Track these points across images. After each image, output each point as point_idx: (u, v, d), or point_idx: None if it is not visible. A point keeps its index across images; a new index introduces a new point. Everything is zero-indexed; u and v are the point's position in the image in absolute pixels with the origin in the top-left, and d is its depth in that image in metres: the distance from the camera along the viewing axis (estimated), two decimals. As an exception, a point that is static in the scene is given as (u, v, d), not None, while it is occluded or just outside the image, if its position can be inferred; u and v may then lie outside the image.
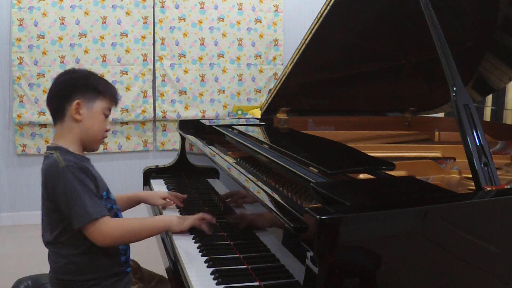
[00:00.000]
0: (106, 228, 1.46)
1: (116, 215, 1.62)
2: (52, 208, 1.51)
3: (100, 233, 1.45)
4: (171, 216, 1.67)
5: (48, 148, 1.58)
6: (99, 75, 1.66)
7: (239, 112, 4.13)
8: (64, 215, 1.48)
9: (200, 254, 1.50)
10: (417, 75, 2.44)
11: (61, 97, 1.57)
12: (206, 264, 1.44)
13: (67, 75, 1.61)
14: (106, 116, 1.62)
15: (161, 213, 1.93)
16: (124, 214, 1.76)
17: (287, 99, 2.41)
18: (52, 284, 1.57)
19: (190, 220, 1.63)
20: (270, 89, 2.65)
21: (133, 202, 1.93)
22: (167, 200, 1.96)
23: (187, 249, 1.54)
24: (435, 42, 1.47)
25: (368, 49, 2.32)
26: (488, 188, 1.23)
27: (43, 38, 3.79)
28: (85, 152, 1.63)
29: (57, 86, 1.59)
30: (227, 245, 1.58)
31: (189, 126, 2.47)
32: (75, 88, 1.56)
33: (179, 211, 1.93)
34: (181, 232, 1.64)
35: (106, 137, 1.65)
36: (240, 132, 2.09)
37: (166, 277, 1.72)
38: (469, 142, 1.30)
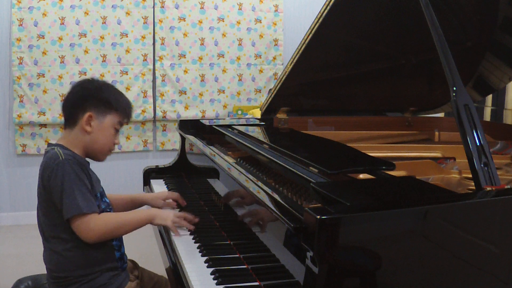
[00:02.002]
0: (92, 224, 1.49)
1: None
2: (46, 199, 1.53)
3: (86, 228, 1.49)
4: (153, 211, 1.72)
5: (49, 145, 1.62)
6: (116, 88, 1.70)
7: (239, 112, 4.13)
8: (56, 207, 1.51)
9: (200, 254, 1.50)
10: (417, 75, 2.44)
11: (75, 106, 1.61)
12: (206, 264, 1.44)
13: (83, 84, 1.65)
14: (117, 130, 1.65)
15: None
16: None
17: (287, 99, 2.41)
18: (49, 285, 1.58)
19: (168, 222, 1.65)
20: (270, 89, 2.65)
21: (137, 204, 1.95)
22: (168, 201, 1.96)
23: (187, 249, 1.54)
24: (435, 42, 1.47)
25: (368, 49, 2.32)
26: (488, 188, 1.23)
27: (43, 38, 3.79)
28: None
29: (73, 95, 1.63)
30: (227, 245, 1.58)
31: (189, 126, 2.47)
32: (88, 100, 1.60)
33: (179, 211, 1.93)
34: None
35: (113, 150, 1.68)
36: (240, 132, 2.09)
37: (165, 277, 1.72)
38: (469, 142, 1.30)
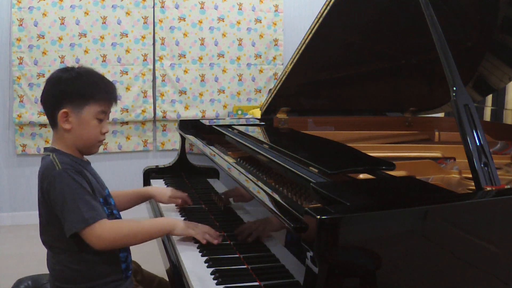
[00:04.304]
0: (103, 231, 1.40)
1: (114, 216, 1.58)
2: (48, 212, 1.47)
3: (96, 237, 1.40)
4: (175, 220, 1.59)
5: (45, 149, 1.55)
6: (94, 74, 1.56)
7: (239, 112, 4.13)
8: (59, 219, 1.43)
9: (200, 254, 1.50)
10: (417, 75, 2.44)
11: (49, 105, 1.51)
12: (206, 264, 1.44)
13: (52, 79, 1.52)
14: (101, 120, 1.53)
15: (161, 214, 1.92)
16: (126, 212, 1.76)
17: (287, 99, 2.41)
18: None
19: (197, 230, 1.55)
20: (270, 89, 2.65)
21: (143, 198, 1.91)
22: (173, 200, 1.93)
23: (187, 249, 1.54)
24: (435, 42, 1.47)
25: (368, 49, 2.32)
26: (488, 188, 1.23)
27: (43, 38, 3.79)
28: (84, 157, 1.59)
29: (46, 93, 1.52)
30: (227, 245, 1.58)
31: (189, 126, 2.47)
32: (60, 96, 1.49)
33: (179, 213, 1.93)
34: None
35: (103, 139, 1.58)
36: (240, 132, 2.09)
37: (166, 278, 1.71)
38: (469, 142, 1.30)
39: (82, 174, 1.47)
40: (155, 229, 1.54)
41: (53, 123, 1.52)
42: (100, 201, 1.51)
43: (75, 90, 1.49)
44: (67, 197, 1.40)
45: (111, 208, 1.57)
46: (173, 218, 1.63)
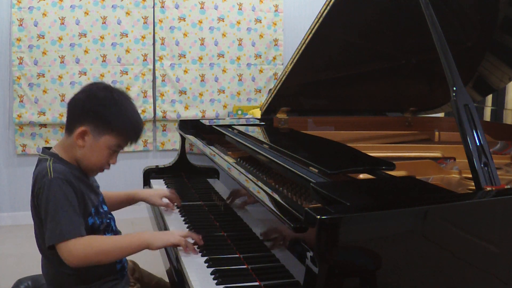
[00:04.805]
0: (75, 248, 1.36)
1: (108, 225, 1.56)
2: (37, 216, 1.45)
3: (68, 253, 1.37)
4: (149, 234, 1.50)
5: (44, 151, 1.54)
6: (127, 106, 1.52)
7: (239, 112, 4.13)
8: None
9: (200, 254, 1.50)
10: (417, 75, 2.44)
11: (73, 115, 1.50)
12: (206, 264, 1.44)
13: (91, 92, 1.49)
14: (114, 151, 1.51)
15: (162, 217, 1.91)
16: (123, 211, 1.75)
17: (287, 99, 2.41)
18: None
19: (175, 237, 1.50)
20: (270, 89, 2.65)
21: (131, 201, 1.89)
22: (167, 200, 1.93)
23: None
24: (435, 42, 1.47)
25: (368, 49, 2.32)
26: (488, 188, 1.23)
27: (43, 38, 3.79)
28: None
29: (76, 101, 1.50)
30: (227, 245, 1.58)
31: (189, 126, 2.46)
32: (88, 113, 1.46)
33: (179, 213, 1.93)
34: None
35: (107, 169, 1.55)
36: (240, 132, 2.09)
37: (165, 278, 1.71)
38: (469, 142, 1.30)
39: (73, 185, 1.42)
40: (131, 247, 1.46)
41: (69, 129, 1.50)
42: (93, 212, 1.49)
43: (104, 116, 1.47)
44: (50, 207, 1.38)
45: (102, 217, 1.53)
46: (147, 233, 1.50)
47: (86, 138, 1.47)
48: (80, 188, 1.45)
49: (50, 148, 1.57)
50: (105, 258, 1.43)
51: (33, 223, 1.50)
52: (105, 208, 1.59)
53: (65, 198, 1.39)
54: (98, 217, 1.52)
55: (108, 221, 1.57)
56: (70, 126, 1.50)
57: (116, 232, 1.62)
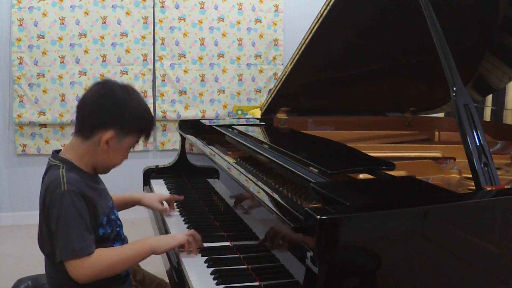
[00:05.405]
0: (84, 266, 1.36)
1: (116, 237, 1.53)
2: (46, 225, 1.43)
3: (77, 272, 1.36)
4: (154, 239, 1.52)
5: (55, 155, 1.48)
6: (143, 102, 1.51)
7: (239, 112, 4.13)
8: None
9: (200, 254, 1.50)
10: (417, 75, 2.44)
11: (96, 120, 1.43)
12: (206, 264, 1.43)
13: (114, 94, 1.44)
14: (132, 148, 1.52)
15: (162, 218, 1.91)
16: (123, 211, 1.75)
17: (287, 99, 2.41)
18: None
19: (179, 238, 1.51)
20: (270, 89, 2.65)
21: (129, 204, 1.87)
22: (165, 205, 1.92)
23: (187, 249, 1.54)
24: (435, 42, 1.47)
25: (368, 49, 2.32)
26: (488, 188, 1.23)
27: (43, 38, 3.79)
28: None
29: (98, 106, 1.43)
30: (227, 245, 1.58)
31: (189, 126, 2.46)
32: (115, 118, 1.43)
33: (179, 213, 1.93)
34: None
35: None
36: (240, 132, 2.09)
37: (166, 279, 1.71)
38: (469, 142, 1.30)
39: (86, 197, 1.41)
40: (138, 256, 1.47)
41: (88, 134, 1.44)
42: (104, 222, 1.47)
43: (129, 118, 1.44)
44: (61, 222, 1.36)
45: (112, 226, 1.52)
46: (153, 238, 1.52)
47: (110, 142, 1.44)
48: (92, 200, 1.43)
49: (59, 151, 1.51)
50: (114, 271, 1.43)
51: (36, 223, 1.49)
52: (116, 214, 1.57)
53: (77, 214, 1.37)
54: (109, 226, 1.50)
55: (118, 229, 1.55)
56: (87, 131, 1.44)
57: (124, 240, 1.60)
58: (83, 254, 1.36)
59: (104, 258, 1.40)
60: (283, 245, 1.26)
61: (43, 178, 1.47)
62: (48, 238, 1.44)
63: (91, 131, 1.43)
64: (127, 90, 1.48)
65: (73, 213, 1.36)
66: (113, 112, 1.43)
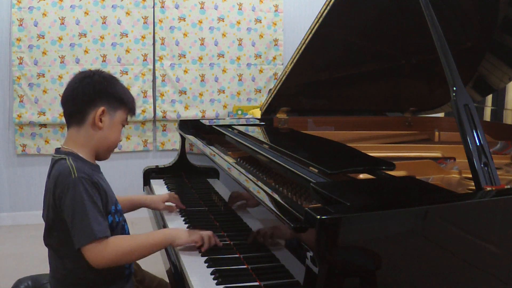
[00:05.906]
0: (105, 249, 1.38)
1: (123, 227, 1.55)
2: (57, 216, 1.43)
3: (97, 254, 1.38)
4: (174, 230, 1.56)
5: (58, 151, 1.51)
6: (121, 83, 1.60)
7: (239, 112, 4.13)
8: (67, 225, 1.41)
9: (200, 254, 1.50)
10: (417, 75, 2.44)
11: (84, 101, 1.49)
12: (206, 264, 1.44)
13: (93, 77, 1.52)
14: (123, 126, 1.57)
15: (162, 218, 1.91)
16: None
17: (287, 99, 2.41)
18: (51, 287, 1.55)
19: (198, 234, 1.53)
20: (270, 89, 2.65)
21: (135, 206, 1.89)
22: (169, 204, 1.93)
23: (187, 249, 1.54)
24: (435, 42, 1.47)
25: (368, 49, 2.32)
26: (488, 188, 1.23)
27: (43, 38, 3.79)
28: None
29: (81, 88, 1.49)
30: (227, 245, 1.58)
31: (189, 126, 2.47)
32: (101, 94, 1.50)
33: (180, 213, 1.93)
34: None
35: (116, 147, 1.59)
36: (240, 132, 2.09)
37: (166, 279, 1.71)
38: (469, 142, 1.30)
39: (97, 185, 1.43)
40: (157, 244, 1.50)
41: (80, 118, 1.49)
42: (112, 209, 1.49)
43: (114, 92, 1.52)
44: (77, 208, 1.37)
45: (120, 215, 1.55)
46: (172, 229, 1.58)
47: (103, 118, 1.50)
48: (103, 186, 1.46)
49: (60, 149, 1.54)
50: (131, 258, 1.47)
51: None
52: (119, 207, 1.58)
53: (91, 200, 1.39)
54: (117, 214, 1.53)
55: (123, 223, 1.57)
56: (79, 116, 1.50)
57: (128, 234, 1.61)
58: (102, 236, 1.38)
59: (123, 244, 1.44)
60: (281, 243, 1.26)
61: (49, 174, 1.49)
62: (56, 231, 1.45)
63: (83, 115, 1.49)
64: (105, 73, 1.57)
65: (87, 198, 1.39)
66: (96, 87, 1.51)
